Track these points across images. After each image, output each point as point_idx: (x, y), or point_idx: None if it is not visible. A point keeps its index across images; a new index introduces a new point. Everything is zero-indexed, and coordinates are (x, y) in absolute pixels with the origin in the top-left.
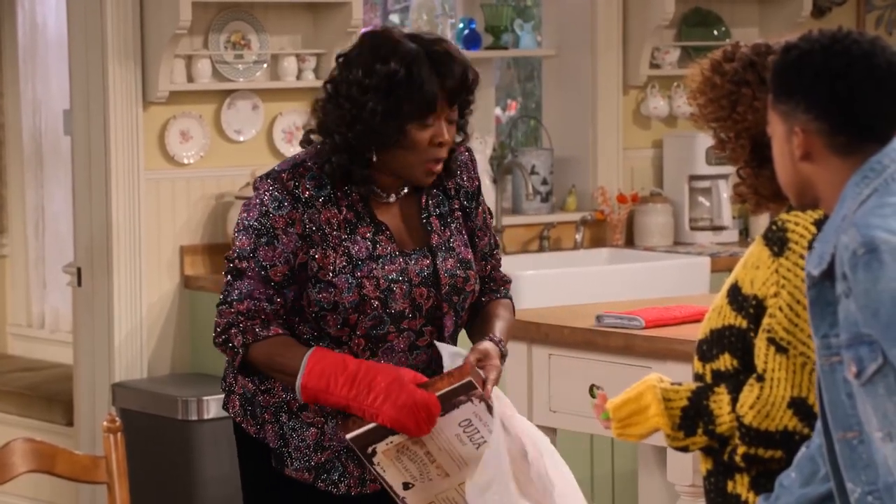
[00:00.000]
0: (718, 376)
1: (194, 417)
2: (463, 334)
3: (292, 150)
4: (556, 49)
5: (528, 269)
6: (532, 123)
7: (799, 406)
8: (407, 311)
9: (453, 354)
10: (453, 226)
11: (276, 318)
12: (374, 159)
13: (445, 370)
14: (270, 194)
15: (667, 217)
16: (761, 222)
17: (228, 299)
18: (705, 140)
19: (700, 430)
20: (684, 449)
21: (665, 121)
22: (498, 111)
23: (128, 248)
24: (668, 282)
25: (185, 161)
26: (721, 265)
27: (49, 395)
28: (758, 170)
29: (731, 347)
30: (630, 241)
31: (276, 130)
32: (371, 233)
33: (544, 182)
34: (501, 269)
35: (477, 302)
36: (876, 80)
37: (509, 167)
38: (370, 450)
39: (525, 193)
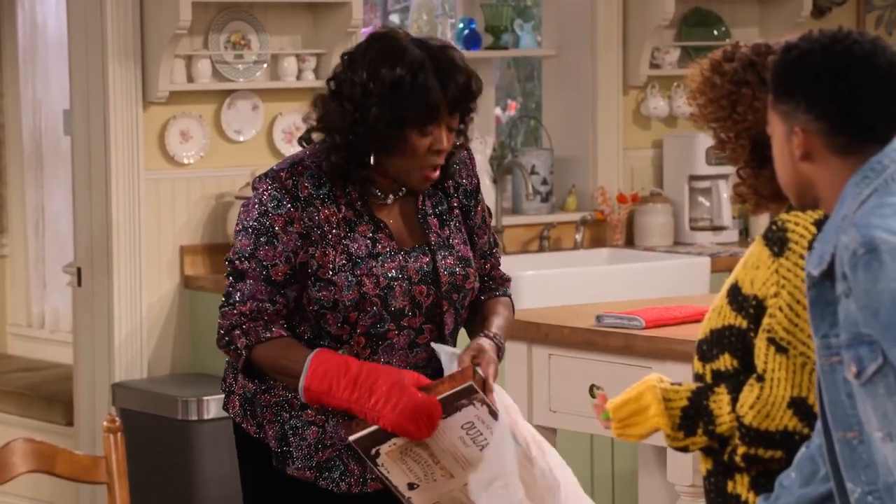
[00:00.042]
0: (718, 376)
1: (194, 417)
2: (463, 333)
3: (292, 150)
4: (556, 49)
5: (528, 269)
6: (532, 123)
7: (799, 406)
8: (407, 308)
9: (452, 356)
10: (452, 224)
11: (279, 318)
12: (372, 162)
13: (446, 372)
14: (269, 194)
15: (667, 217)
16: (761, 222)
17: (231, 301)
18: (705, 140)
19: (700, 431)
20: (684, 449)
21: (665, 121)
22: (498, 111)
23: (128, 248)
24: (668, 282)
25: (185, 161)
26: (721, 265)
27: (49, 395)
28: (758, 170)
29: (731, 347)
30: (630, 241)
31: (276, 130)
32: (370, 231)
33: (544, 182)
34: (501, 267)
35: (476, 300)
36: (876, 81)
37: (509, 167)
38: (373, 451)
39: (525, 193)
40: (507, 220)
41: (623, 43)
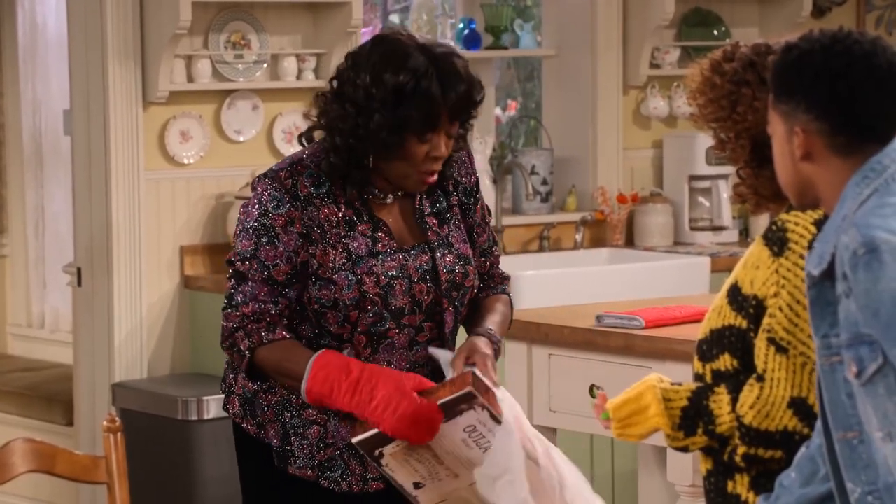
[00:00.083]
0: (718, 376)
1: (194, 417)
2: (462, 332)
3: (292, 150)
4: (556, 49)
5: (528, 269)
6: (532, 123)
7: (799, 406)
8: (407, 307)
9: (448, 360)
10: (451, 222)
11: (281, 319)
12: (370, 165)
13: (447, 377)
14: (269, 194)
15: (667, 217)
16: (761, 222)
17: (233, 303)
18: (705, 140)
19: (700, 430)
20: (684, 449)
21: (665, 121)
22: (498, 111)
23: (128, 248)
24: (668, 282)
25: (185, 161)
26: (721, 265)
27: (49, 395)
28: (758, 170)
29: (731, 347)
30: (630, 241)
31: (276, 130)
32: (370, 230)
33: (544, 182)
34: (500, 266)
35: (475, 298)
36: (877, 81)
37: (509, 167)
38: (377, 452)
39: (525, 193)
40: (507, 220)
41: (623, 43)
